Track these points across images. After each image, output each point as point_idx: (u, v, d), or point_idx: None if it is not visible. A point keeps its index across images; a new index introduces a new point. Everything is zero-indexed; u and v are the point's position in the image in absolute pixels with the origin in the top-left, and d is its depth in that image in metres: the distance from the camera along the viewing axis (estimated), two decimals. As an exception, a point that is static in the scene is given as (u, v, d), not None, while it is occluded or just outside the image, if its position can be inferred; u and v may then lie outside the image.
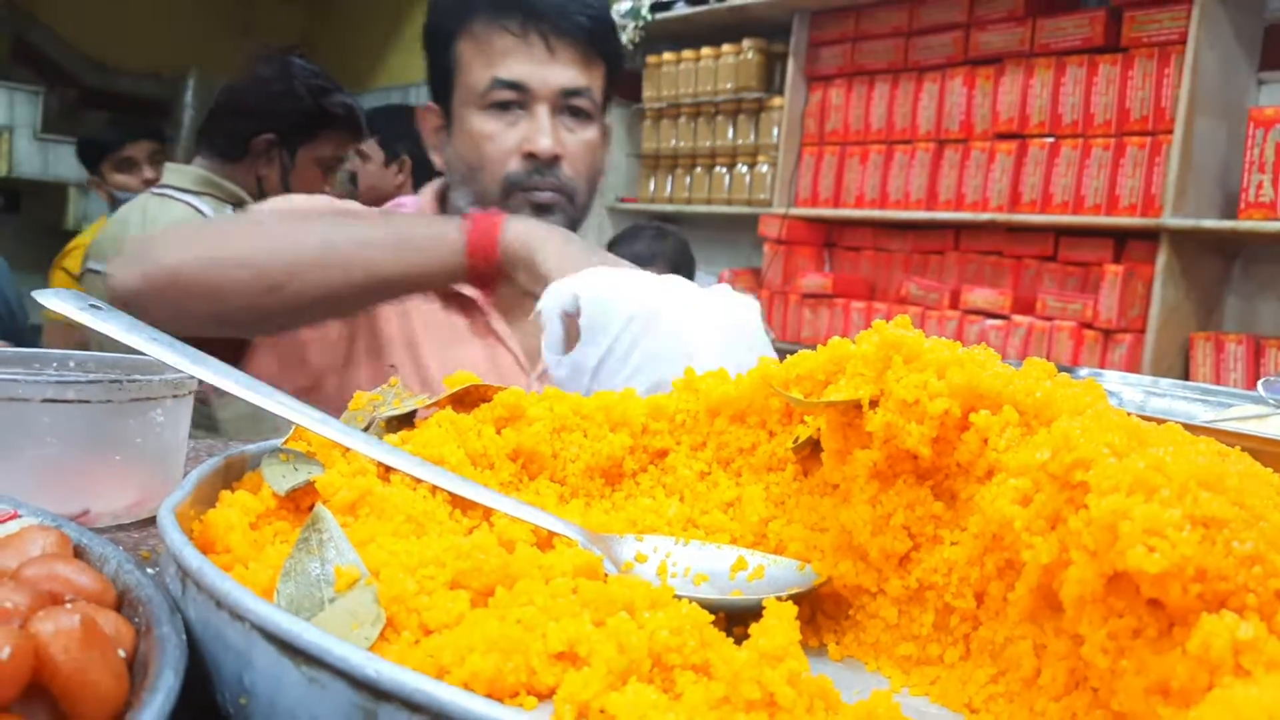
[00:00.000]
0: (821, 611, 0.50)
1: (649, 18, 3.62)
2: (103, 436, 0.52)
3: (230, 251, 0.98)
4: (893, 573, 0.47)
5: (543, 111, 1.20)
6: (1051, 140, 2.73)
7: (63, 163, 5.06)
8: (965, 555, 0.44)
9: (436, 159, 1.31)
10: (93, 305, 0.48)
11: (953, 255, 3.04)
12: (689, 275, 2.41)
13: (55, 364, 0.58)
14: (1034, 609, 0.41)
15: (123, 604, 0.34)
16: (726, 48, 3.55)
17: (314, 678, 0.28)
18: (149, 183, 2.70)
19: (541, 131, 1.20)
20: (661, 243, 2.76)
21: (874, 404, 0.47)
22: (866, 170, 3.17)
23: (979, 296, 2.87)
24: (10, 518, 0.40)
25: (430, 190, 1.33)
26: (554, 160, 1.20)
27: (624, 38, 3.44)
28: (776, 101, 3.43)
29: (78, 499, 0.52)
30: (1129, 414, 0.42)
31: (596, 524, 0.53)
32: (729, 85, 3.54)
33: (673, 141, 3.78)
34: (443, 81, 1.26)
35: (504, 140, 1.20)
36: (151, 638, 0.31)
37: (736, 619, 0.44)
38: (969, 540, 0.44)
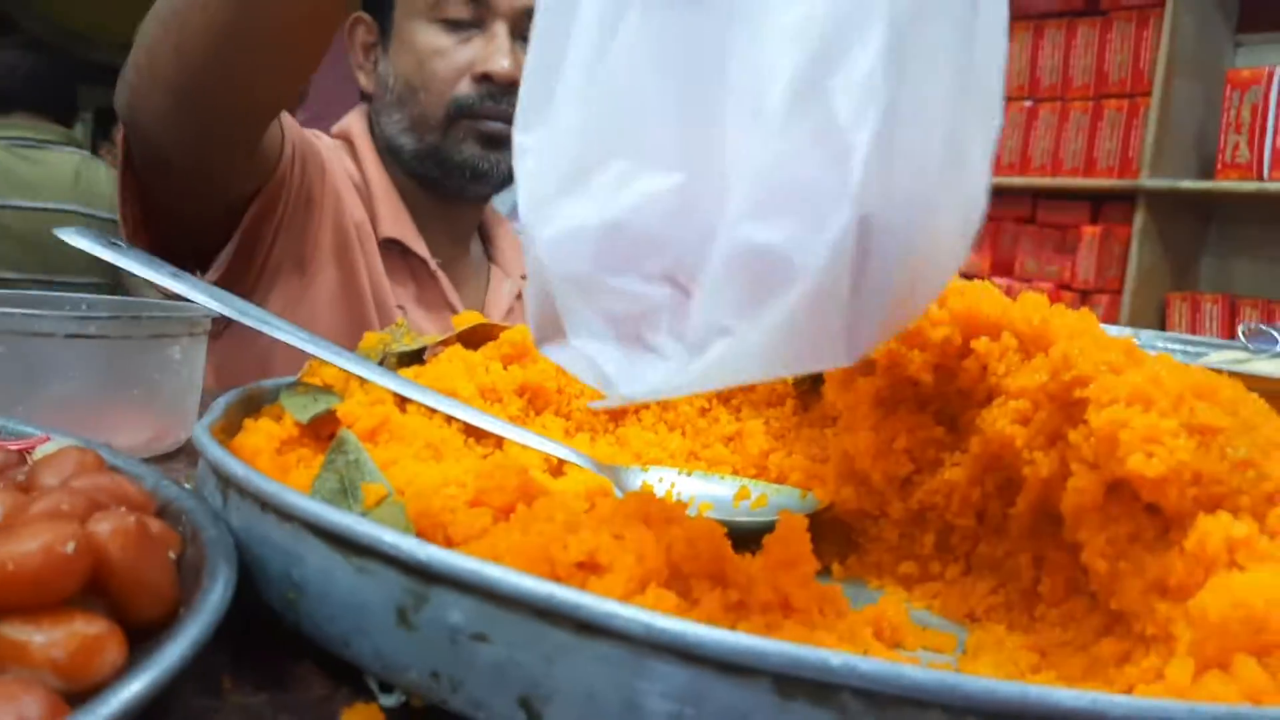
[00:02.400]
0: (823, 538, 0.52)
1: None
2: (122, 372, 0.53)
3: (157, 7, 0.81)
4: (894, 496, 0.48)
5: (501, 29, 1.04)
6: (1030, 103, 2.74)
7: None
8: (966, 476, 0.46)
9: (363, 79, 1.13)
10: (113, 242, 0.49)
11: (932, 218, 3.05)
12: None
13: (68, 306, 0.58)
14: (1033, 523, 0.42)
15: (164, 514, 0.35)
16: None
17: (363, 567, 0.29)
18: None
19: (500, 51, 1.03)
20: None
21: (877, 333, 0.49)
22: (847, 134, 3.17)
23: (958, 259, 2.88)
24: (44, 441, 0.41)
25: (358, 115, 1.16)
26: (511, 86, 1.01)
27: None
28: (757, 65, 3.41)
29: (98, 434, 0.52)
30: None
31: (602, 456, 0.54)
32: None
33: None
34: None
35: (454, 58, 1.04)
36: (198, 542, 0.32)
37: (740, 545, 0.46)
38: (969, 461, 0.46)
